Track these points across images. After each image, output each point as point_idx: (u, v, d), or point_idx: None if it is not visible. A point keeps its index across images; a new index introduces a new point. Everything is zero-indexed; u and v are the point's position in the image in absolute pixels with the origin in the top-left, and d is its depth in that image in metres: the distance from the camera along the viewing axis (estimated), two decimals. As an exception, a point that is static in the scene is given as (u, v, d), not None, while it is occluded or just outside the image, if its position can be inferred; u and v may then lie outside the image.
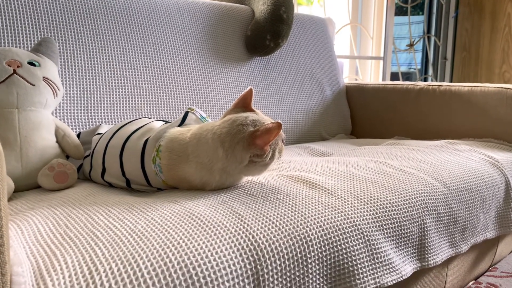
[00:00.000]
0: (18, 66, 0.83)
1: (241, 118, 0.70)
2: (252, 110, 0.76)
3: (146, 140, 0.77)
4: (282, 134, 0.74)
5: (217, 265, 0.51)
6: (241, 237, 0.56)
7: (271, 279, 0.55)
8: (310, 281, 0.60)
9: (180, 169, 0.72)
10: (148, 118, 0.91)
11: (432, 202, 0.83)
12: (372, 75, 2.79)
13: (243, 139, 0.68)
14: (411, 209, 0.78)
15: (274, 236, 0.58)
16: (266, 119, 0.73)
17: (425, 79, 3.06)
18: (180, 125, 0.79)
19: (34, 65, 0.86)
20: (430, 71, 3.03)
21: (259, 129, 0.67)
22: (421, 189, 0.84)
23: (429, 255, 0.79)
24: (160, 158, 0.73)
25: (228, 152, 0.68)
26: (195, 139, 0.72)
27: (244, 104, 0.76)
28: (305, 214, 0.65)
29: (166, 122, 0.85)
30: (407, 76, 3.09)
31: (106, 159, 0.82)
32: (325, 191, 0.74)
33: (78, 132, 1.02)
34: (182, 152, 0.72)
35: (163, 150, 0.73)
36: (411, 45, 2.86)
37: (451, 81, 3.01)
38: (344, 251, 0.65)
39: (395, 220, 0.74)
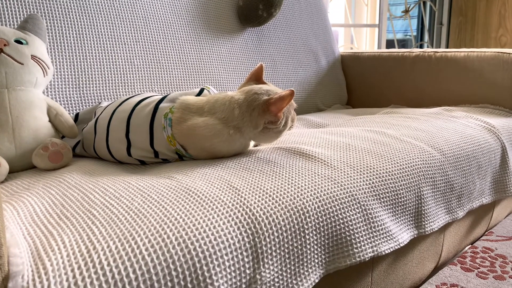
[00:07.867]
0: (5, 45, 0.81)
1: (256, 88, 0.76)
2: (264, 83, 0.82)
3: (159, 102, 0.79)
4: (294, 104, 0.80)
5: (215, 239, 0.51)
6: (238, 211, 0.56)
7: (269, 251, 0.56)
8: (308, 252, 0.61)
9: (192, 120, 0.74)
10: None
11: (429, 170, 0.83)
12: (367, 43, 2.76)
13: (259, 106, 0.73)
14: (408, 177, 0.79)
15: (272, 209, 0.59)
16: (278, 90, 0.77)
17: (421, 46, 3.02)
18: None
19: (21, 43, 0.84)
20: (426, 37, 3.00)
21: (273, 97, 0.72)
22: (418, 157, 0.84)
23: (426, 222, 0.80)
24: (173, 113, 0.75)
25: (244, 115, 0.73)
26: (212, 99, 0.76)
27: (256, 78, 0.82)
28: (301, 186, 0.65)
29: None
30: (403, 43, 3.06)
31: (112, 119, 0.82)
32: (321, 162, 0.74)
33: (75, 113, 1.01)
34: (197, 109, 0.75)
35: (177, 106, 0.76)
36: (406, 11, 2.81)
37: (447, 46, 2.98)
38: (341, 221, 0.65)
39: (392, 189, 0.75)
